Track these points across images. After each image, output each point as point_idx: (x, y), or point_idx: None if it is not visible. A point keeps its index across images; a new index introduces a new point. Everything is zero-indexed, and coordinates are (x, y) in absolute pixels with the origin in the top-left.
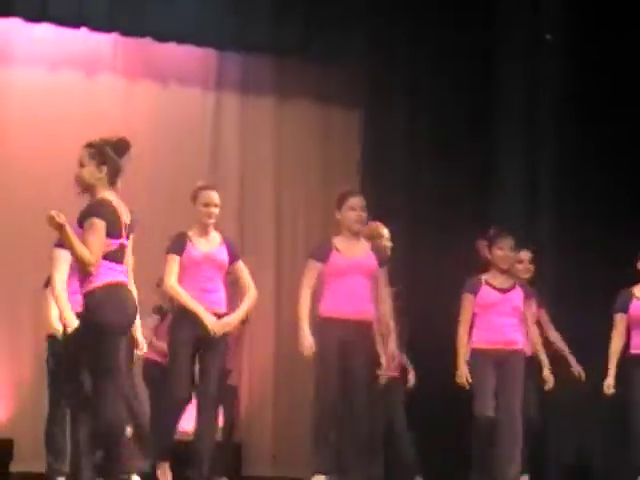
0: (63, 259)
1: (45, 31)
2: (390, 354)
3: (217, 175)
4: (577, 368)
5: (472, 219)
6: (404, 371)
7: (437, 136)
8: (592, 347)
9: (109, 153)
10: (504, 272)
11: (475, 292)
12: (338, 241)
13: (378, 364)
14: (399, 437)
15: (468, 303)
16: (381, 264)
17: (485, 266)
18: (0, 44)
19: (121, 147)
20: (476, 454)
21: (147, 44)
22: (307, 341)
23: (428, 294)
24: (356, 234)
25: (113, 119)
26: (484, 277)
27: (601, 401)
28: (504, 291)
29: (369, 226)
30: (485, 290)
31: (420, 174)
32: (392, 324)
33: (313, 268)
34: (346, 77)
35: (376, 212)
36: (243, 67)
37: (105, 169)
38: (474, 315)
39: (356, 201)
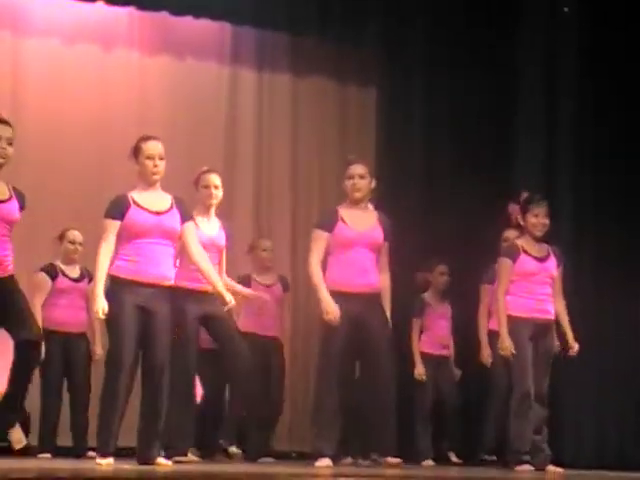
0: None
1: (61, 4)
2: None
3: (233, 150)
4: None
5: (490, 194)
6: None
7: (454, 112)
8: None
9: None
10: (538, 239)
11: (514, 259)
12: (344, 211)
13: None
14: (446, 418)
15: (506, 269)
16: (386, 237)
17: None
18: (16, 18)
19: None
20: (516, 431)
21: (163, 18)
22: (331, 306)
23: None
24: (358, 203)
25: (129, 93)
26: (520, 243)
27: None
28: (541, 260)
29: None
30: (524, 258)
31: (436, 150)
32: (389, 298)
33: (320, 238)
34: (362, 54)
35: (392, 188)
36: (259, 43)
37: None
38: (510, 282)
39: (353, 169)
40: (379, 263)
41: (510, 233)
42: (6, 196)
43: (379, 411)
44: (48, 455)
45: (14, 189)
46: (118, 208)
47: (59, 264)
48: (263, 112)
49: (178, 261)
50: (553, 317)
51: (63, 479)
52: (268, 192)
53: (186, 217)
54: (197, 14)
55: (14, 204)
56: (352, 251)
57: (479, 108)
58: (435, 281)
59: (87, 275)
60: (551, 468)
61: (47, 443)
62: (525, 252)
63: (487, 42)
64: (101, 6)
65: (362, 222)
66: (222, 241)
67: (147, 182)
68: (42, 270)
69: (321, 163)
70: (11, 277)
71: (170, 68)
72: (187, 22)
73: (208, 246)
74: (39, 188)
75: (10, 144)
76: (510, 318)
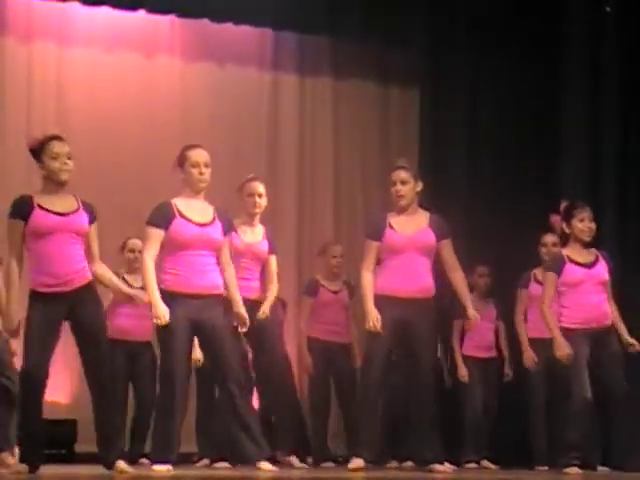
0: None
1: (103, 14)
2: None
3: (275, 155)
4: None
5: (533, 196)
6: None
7: (497, 114)
8: None
9: None
10: (585, 245)
11: (559, 271)
12: (392, 218)
13: None
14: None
15: (551, 282)
16: (442, 236)
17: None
18: (60, 28)
19: None
20: (572, 438)
21: (204, 25)
22: (373, 316)
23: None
24: (404, 210)
25: (171, 100)
26: (565, 253)
27: None
28: (589, 266)
29: None
30: (570, 268)
31: (479, 153)
32: (466, 293)
33: (371, 247)
34: (405, 55)
35: (435, 191)
36: (300, 47)
37: None
38: (560, 294)
39: (395, 175)
40: (447, 262)
41: (548, 238)
42: (74, 208)
43: (421, 417)
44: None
45: (83, 202)
46: (163, 217)
47: (123, 273)
48: (305, 117)
49: None
50: (610, 322)
51: None
52: (311, 197)
53: (227, 230)
54: (237, 21)
55: (82, 216)
56: (402, 256)
57: (523, 110)
58: (476, 283)
59: None
60: (601, 469)
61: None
62: (571, 261)
63: (532, 43)
64: (142, 14)
65: (411, 226)
66: (264, 248)
67: (193, 190)
68: None
69: (364, 166)
70: (90, 284)
71: (211, 75)
72: (228, 29)
73: (244, 252)
74: (80, 194)
75: (70, 158)
76: (563, 330)
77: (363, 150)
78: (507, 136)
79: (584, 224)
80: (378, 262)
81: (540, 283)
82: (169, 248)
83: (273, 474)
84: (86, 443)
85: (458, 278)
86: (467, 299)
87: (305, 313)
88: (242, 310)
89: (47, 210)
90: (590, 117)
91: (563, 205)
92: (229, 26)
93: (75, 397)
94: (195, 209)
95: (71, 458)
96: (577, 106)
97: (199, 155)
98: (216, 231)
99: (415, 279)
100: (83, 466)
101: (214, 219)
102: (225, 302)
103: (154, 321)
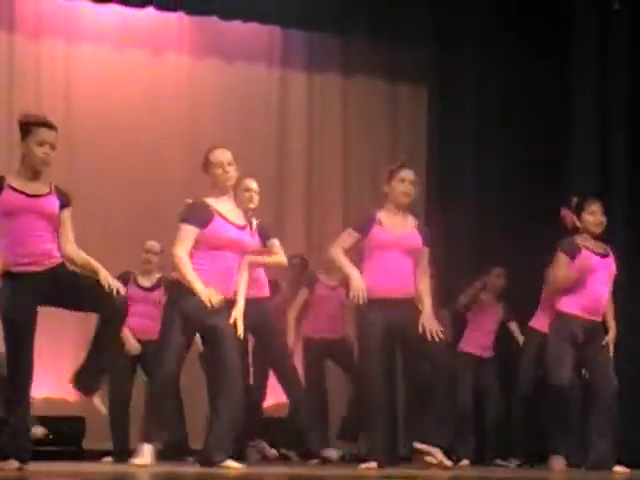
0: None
1: (112, 11)
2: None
3: (284, 152)
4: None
5: (543, 193)
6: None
7: (506, 110)
8: None
9: None
10: (596, 238)
11: (573, 255)
12: (382, 215)
13: None
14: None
15: (564, 265)
16: (425, 243)
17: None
18: (69, 25)
19: None
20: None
21: (212, 22)
22: (359, 281)
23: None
24: (404, 208)
25: (179, 97)
26: (579, 240)
27: None
28: (602, 256)
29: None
30: (586, 254)
31: (488, 150)
32: (429, 303)
33: (349, 237)
34: (413, 52)
35: (443, 186)
36: (308, 45)
37: None
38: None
39: (406, 174)
40: (418, 268)
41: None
42: (44, 192)
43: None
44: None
45: (56, 187)
46: (201, 216)
47: (135, 273)
48: (314, 114)
49: None
50: (601, 319)
51: None
52: (320, 193)
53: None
54: (246, 18)
55: (52, 199)
56: (388, 255)
57: (532, 106)
58: (492, 283)
59: (162, 285)
60: (618, 469)
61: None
62: (586, 248)
63: (540, 40)
64: (151, 12)
65: (400, 227)
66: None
67: (221, 190)
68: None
69: (373, 163)
70: (61, 265)
71: (220, 72)
72: (236, 26)
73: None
74: (89, 191)
75: (53, 148)
76: (562, 314)
77: (372, 147)
78: (516, 131)
79: (595, 217)
80: (361, 262)
81: None
82: (202, 247)
83: (280, 471)
84: (94, 440)
85: (426, 284)
86: (429, 306)
87: (297, 304)
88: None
89: (16, 190)
90: (599, 109)
91: (574, 199)
92: (238, 24)
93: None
94: (230, 211)
95: (79, 455)
96: (586, 98)
97: (221, 154)
98: (249, 236)
99: (400, 279)
100: (91, 463)
101: (246, 224)
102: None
103: (208, 303)
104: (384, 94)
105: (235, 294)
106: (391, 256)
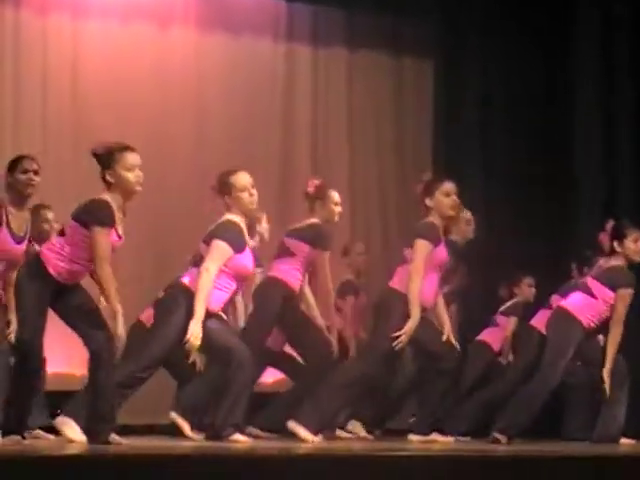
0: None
1: None
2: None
3: (290, 127)
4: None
5: (547, 171)
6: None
7: (511, 83)
8: None
9: None
10: (632, 265)
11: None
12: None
13: None
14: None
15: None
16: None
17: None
18: (74, 0)
19: None
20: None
21: None
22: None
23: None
24: (451, 221)
25: (185, 71)
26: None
27: None
28: None
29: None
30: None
31: (493, 124)
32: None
33: (427, 251)
34: (419, 26)
35: (448, 162)
36: (314, 19)
37: None
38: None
39: (452, 187)
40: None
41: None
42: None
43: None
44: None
45: None
46: (239, 241)
47: None
48: (319, 88)
49: None
50: None
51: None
52: (325, 168)
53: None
54: None
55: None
56: (439, 273)
57: (537, 79)
58: (522, 293)
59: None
60: (625, 441)
61: None
62: None
63: (544, 14)
64: None
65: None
66: None
67: (246, 214)
68: None
69: (378, 138)
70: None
71: (226, 46)
72: (242, 0)
73: None
74: (96, 167)
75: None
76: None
77: (377, 120)
78: (521, 105)
79: (638, 245)
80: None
81: None
82: (229, 271)
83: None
84: None
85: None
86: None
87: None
88: None
89: None
90: (601, 103)
91: (610, 224)
92: None
93: None
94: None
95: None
96: (588, 93)
97: (245, 178)
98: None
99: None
100: None
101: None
102: None
103: (190, 339)
104: (389, 68)
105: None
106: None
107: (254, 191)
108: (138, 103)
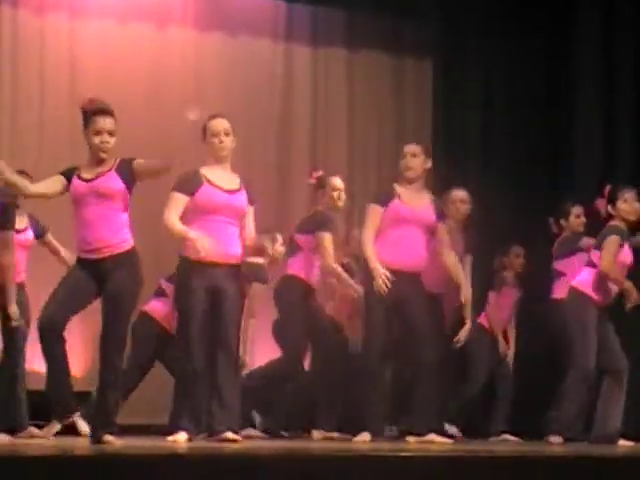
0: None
1: None
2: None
3: (288, 126)
4: None
5: (546, 171)
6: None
7: (510, 83)
8: None
9: None
10: (630, 225)
11: (622, 243)
12: (400, 189)
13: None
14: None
15: (616, 246)
16: (440, 219)
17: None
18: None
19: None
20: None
21: None
22: (380, 271)
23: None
24: (411, 182)
25: (183, 71)
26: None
27: None
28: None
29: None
30: (626, 248)
31: (493, 122)
32: (462, 274)
33: (377, 214)
34: (418, 26)
35: (448, 160)
36: (313, 18)
37: None
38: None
39: (406, 148)
40: (441, 243)
41: (576, 209)
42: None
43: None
44: None
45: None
46: (190, 184)
47: None
48: (318, 88)
49: None
50: None
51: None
52: (324, 168)
53: (253, 200)
54: None
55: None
56: (404, 229)
57: (536, 78)
58: (511, 263)
59: None
60: (624, 443)
61: None
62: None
63: (544, 15)
64: None
65: (417, 201)
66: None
67: (216, 159)
68: None
69: (378, 137)
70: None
71: (224, 46)
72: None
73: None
74: None
75: (112, 135)
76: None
77: (377, 121)
78: (522, 106)
79: (629, 205)
80: (377, 233)
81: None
82: (195, 215)
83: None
84: None
85: (452, 259)
86: (462, 279)
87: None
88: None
89: (80, 179)
90: (602, 105)
91: (607, 188)
92: None
93: (91, 370)
94: (221, 177)
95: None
96: (589, 94)
97: (218, 124)
98: (242, 199)
99: (416, 254)
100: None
101: (240, 187)
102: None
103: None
104: (389, 68)
105: (235, 259)
106: (406, 230)
107: (225, 138)
108: (136, 103)
